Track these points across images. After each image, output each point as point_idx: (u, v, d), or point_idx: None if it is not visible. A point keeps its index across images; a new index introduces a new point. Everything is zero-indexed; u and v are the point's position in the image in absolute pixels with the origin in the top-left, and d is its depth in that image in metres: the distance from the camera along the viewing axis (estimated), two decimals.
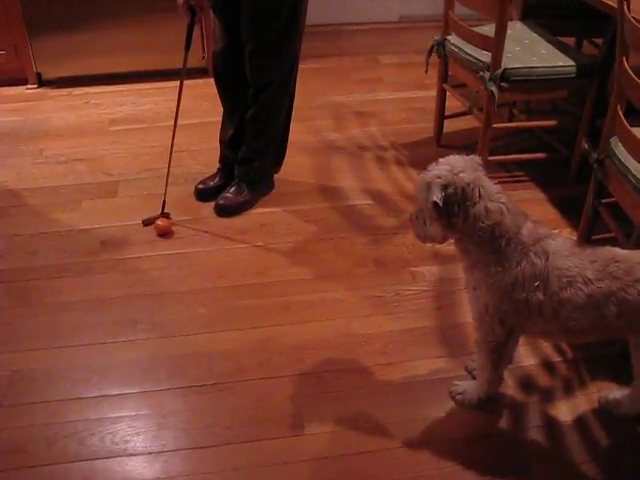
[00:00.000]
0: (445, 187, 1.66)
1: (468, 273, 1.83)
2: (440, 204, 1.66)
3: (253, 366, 2.16)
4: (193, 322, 2.33)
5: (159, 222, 2.73)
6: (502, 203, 1.69)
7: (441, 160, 1.74)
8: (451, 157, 1.74)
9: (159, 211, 2.78)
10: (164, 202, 2.80)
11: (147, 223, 2.77)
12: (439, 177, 1.67)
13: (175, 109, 2.70)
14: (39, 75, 3.88)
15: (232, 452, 1.91)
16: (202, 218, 2.82)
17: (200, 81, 3.83)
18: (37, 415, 2.01)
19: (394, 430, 1.96)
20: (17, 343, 2.25)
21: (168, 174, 2.82)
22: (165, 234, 2.71)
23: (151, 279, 2.51)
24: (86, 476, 1.85)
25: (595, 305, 1.66)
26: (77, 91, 3.86)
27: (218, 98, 2.89)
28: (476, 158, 1.76)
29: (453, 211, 1.68)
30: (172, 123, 2.75)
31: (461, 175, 1.67)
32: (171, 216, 2.80)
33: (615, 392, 2.01)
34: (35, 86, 3.87)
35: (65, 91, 3.86)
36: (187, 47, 2.65)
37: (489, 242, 1.70)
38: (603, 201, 2.35)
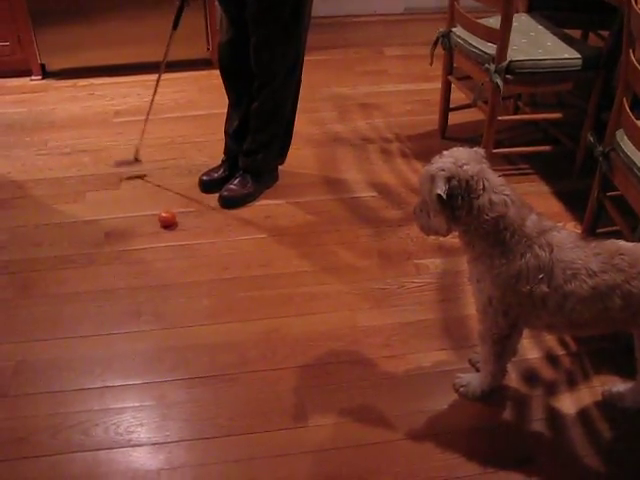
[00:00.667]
0: (449, 180, 1.66)
1: (472, 265, 1.83)
2: (444, 197, 1.66)
3: (257, 358, 2.17)
4: (197, 313, 2.33)
5: (163, 214, 2.72)
6: (506, 195, 1.69)
7: (445, 153, 1.73)
8: (455, 150, 1.73)
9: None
10: (137, 149, 3.00)
11: (118, 164, 3.02)
12: (443, 170, 1.67)
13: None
14: (43, 66, 3.87)
15: (235, 443, 1.91)
16: (206, 210, 2.82)
17: (205, 72, 3.83)
18: (41, 405, 2.01)
19: (397, 422, 1.96)
20: (21, 334, 2.25)
21: (146, 119, 3.00)
22: (169, 226, 2.70)
23: (155, 270, 2.51)
24: (90, 467, 1.85)
25: (599, 298, 1.66)
26: (81, 82, 3.85)
27: (223, 90, 2.88)
28: (480, 150, 1.76)
29: (457, 204, 1.67)
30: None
31: (465, 167, 1.66)
32: (140, 157, 3.02)
33: (619, 385, 2.01)
34: (39, 77, 3.87)
35: (69, 82, 3.85)
36: (175, 26, 2.68)
37: (493, 234, 1.70)
38: (608, 194, 2.34)
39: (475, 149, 1.75)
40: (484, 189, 1.67)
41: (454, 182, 1.66)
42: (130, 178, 2.94)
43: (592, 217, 2.41)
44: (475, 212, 1.68)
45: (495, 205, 1.67)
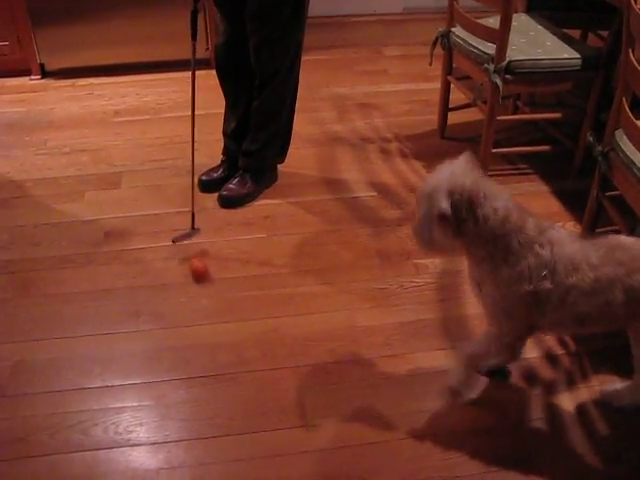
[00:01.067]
0: (450, 194, 1.65)
1: (475, 273, 1.83)
2: (448, 213, 1.65)
3: (256, 357, 2.16)
4: (196, 313, 2.33)
5: (196, 263, 2.43)
6: (506, 200, 1.69)
7: (439, 168, 1.72)
8: (448, 164, 1.72)
9: (188, 226, 2.65)
10: (193, 215, 2.65)
11: (176, 240, 2.60)
12: (442, 186, 1.66)
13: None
14: (42, 66, 3.87)
15: (234, 443, 1.91)
16: (206, 209, 2.82)
17: (203, 72, 3.81)
18: (40, 405, 2.01)
19: (397, 422, 1.96)
20: (20, 333, 2.25)
21: (193, 185, 2.70)
22: (201, 277, 2.43)
23: (154, 270, 2.51)
24: (89, 466, 1.85)
25: (601, 290, 1.67)
26: (80, 82, 3.85)
27: (221, 90, 2.88)
28: (470, 158, 1.74)
29: (461, 216, 1.67)
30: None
31: (463, 180, 1.66)
32: (198, 227, 2.66)
33: (616, 384, 2.01)
34: (38, 77, 3.87)
35: (68, 82, 3.86)
36: (193, 36, 2.62)
37: (499, 239, 1.70)
38: (607, 194, 2.34)
39: (465, 157, 1.74)
40: (485, 197, 1.66)
41: (456, 196, 1.65)
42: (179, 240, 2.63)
43: (591, 217, 2.41)
44: (481, 221, 1.67)
45: (498, 211, 1.67)
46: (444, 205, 1.65)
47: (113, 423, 1.97)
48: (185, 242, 2.60)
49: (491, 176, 3.00)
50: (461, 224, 1.68)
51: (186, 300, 2.39)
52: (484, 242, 1.71)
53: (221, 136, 2.97)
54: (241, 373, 2.12)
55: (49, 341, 2.23)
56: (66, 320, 2.31)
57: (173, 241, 2.57)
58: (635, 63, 2.03)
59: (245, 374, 2.11)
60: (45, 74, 3.90)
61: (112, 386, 2.08)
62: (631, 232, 2.18)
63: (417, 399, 2.04)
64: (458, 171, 1.68)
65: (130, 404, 2.03)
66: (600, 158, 2.27)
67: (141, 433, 1.94)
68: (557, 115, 3.11)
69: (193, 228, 2.66)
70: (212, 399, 2.04)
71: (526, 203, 2.83)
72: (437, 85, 3.33)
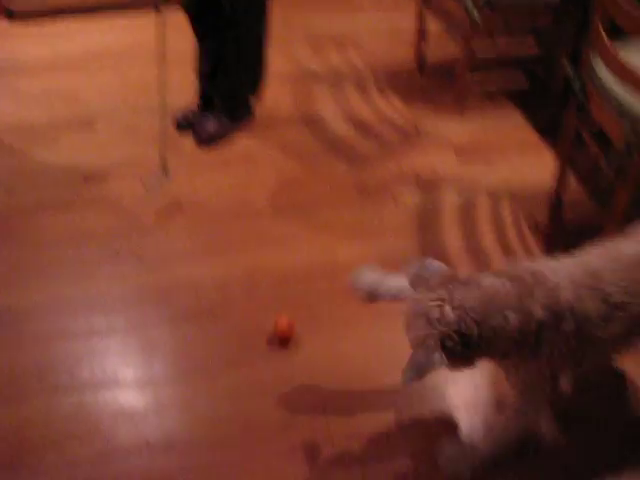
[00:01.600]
0: (441, 345, 1.35)
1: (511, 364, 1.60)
2: (446, 364, 1.36)
3: (239, 295, 2.18)
4: (177, 254, 2.34)
5: (284, 322, 2.07)
6: (498, 283, 1.41)
7: (410, 307, 1.43)
8: (416, 297, 1.43)
9: (161, 175, 2.55)
10: (164, 158, 2.56)
11: (148, 188, 2.53)
12: (427, 340, 1.35)
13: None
14: (8, 11, 3.76)
15: (221, 379, 1.95)
16: (182, 149, 2.79)
17: (177, 12, 3.74)
18: (27, 350, 2.03)
19: (377, 356, 2.00)
20: (1, 281, 2.25)
21: (164, 129, 2.58)
22: (287, 340, 2.08)
23: (134, 213, 2.50)
24: (77, 408, 1.88)
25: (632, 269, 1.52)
26: (49, 25, 3.74)
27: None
28: (431, 264, 1.47)
29: (468, 352, 1.37)
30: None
31: (446, 311, 1.36)
32: (170, 171, 2.58)
33: None
34: (4, 21, 3.76)
35: (36, 25, 3.74)
36: None
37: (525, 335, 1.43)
38: (584, 125, 2.34)
39: (426, 265, 1.47)
40: (483, 312, 1.35)
41: (448, 343, 1.35)
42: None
43: (568, 147, 2.42)
44: (498, 334, 1.38)
45: (509, 318, 1.37)
46: (440, 364, 1.35)
47: (99, 365, 1.99)
48: (156, 188, 2.55)
49: (468, 110, 2.99)
50: (473, 353, 1.40)
51: (167, 240, 2.39)
52: (512, 344, 1.43)
53: (196, 76, 2.93)
54: (225, 310, 2.14)
55: (32, 287, 2.23)
56: (47, 265, 2.30)
57: (145, 189, 2.50)
58: None
59: (230, 311, 2.14)
60: (11, 17, 3.78)
61: (97, 328, 2.09)
62: (606, 158, 2.19)
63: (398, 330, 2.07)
64: (430, 299, 1.38)
65: (116, 345, 2.05)
66: (577, 87, 2.26)
67: (127, 374, 1.97)
68: (535, 50, 3.08)
69: (164, 173, 2.57)
70: (197, 337, 2.06)
71: (504, 136, 2.86)
72: (413, 16, 3.27)
